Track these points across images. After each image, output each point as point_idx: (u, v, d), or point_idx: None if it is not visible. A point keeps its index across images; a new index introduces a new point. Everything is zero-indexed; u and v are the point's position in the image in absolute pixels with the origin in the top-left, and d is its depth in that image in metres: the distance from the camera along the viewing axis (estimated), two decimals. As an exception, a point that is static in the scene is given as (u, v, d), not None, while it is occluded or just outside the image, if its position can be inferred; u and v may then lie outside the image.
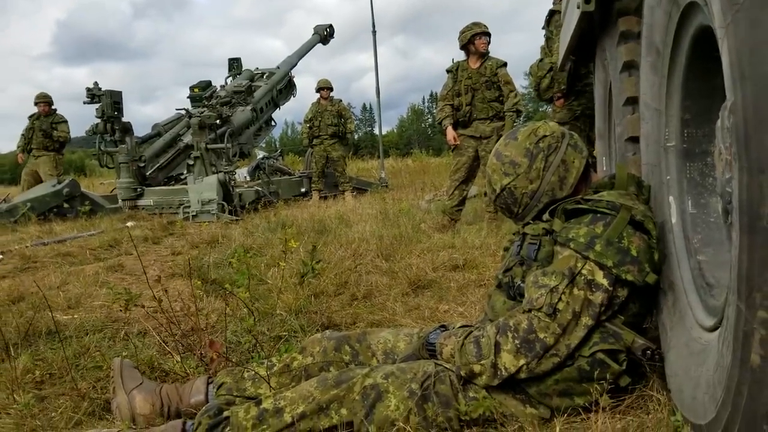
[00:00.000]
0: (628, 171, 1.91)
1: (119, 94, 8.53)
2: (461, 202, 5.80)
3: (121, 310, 2.42)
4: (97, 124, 8.52)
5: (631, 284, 1.62)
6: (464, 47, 5.80)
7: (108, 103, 8.35)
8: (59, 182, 8.03)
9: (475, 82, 5.70)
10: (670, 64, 1.61)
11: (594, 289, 1.61)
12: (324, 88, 10.00)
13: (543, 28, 5.72)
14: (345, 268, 3.69)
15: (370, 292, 3.33)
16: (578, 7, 2.74)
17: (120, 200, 8.47)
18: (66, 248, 5.32)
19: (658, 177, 1.76)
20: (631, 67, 2.33)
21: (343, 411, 1.64)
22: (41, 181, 9.11)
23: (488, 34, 5.77)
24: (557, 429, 1.56)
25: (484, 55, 5.79)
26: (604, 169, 3.62)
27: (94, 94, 8.38)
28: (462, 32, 5.76)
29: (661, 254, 1.67)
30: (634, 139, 2.25)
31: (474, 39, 5.72)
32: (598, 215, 1.70)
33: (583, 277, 1.62)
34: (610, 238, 1.63)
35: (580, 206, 1.75)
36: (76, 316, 3.06)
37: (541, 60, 5.58)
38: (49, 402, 2.08)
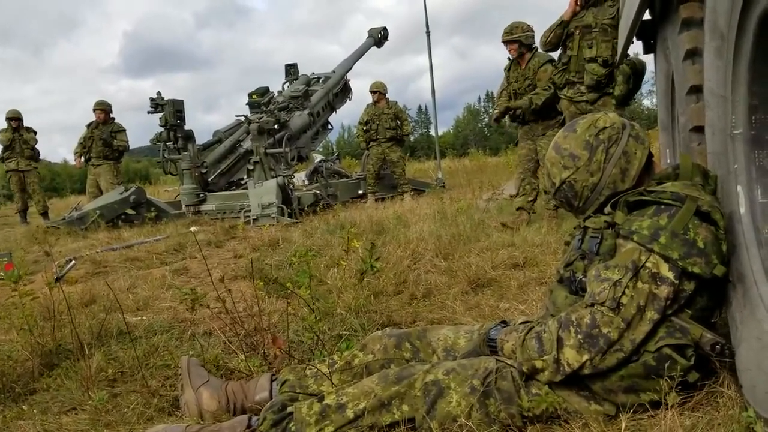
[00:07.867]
0: (692, 161, 1.86)
1: (181, 102, 8.78)
2: (536, 198, 5.71)
3: (187, 310, 2.50)
4: (160, 133, 8.78)
5: (698, 277, 1.57)
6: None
7: (170, 112, 8.60)
8: (126, 190, 8.30)
9: (520, 85, 5.57)
10: (736, 48, 1.55)
11: (659, 283, 1.56)
12: (374, 91, 10.00)
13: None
14: (404, 268, 3.70)
15: (429, 291, 3.32)
16: None
17: (184, 206, 8.70)
18: (134, 253, 5.50)
19: (725, 166, 1.69)
20: (694, 54, 2.26)
21: (405, 407, 1.65)
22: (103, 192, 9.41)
23: (515, 42, 5.54)
24: (623, 426, 1.53)
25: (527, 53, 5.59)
26: (668, 162, 3.52)
27: (157, 104, 8.64)
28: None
29: (730, 245, 1.61)
30: (699, 129, 2.18)
31: (507, 44, 5.61)
32: (662, 207, 1.65)
33: (647, 271, 1.57)
34: (675, 229, 1.58)
35: (643, 198, 1.70)
36: (144, 318, 3.17)
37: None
38: (121, 398, 2.16)
